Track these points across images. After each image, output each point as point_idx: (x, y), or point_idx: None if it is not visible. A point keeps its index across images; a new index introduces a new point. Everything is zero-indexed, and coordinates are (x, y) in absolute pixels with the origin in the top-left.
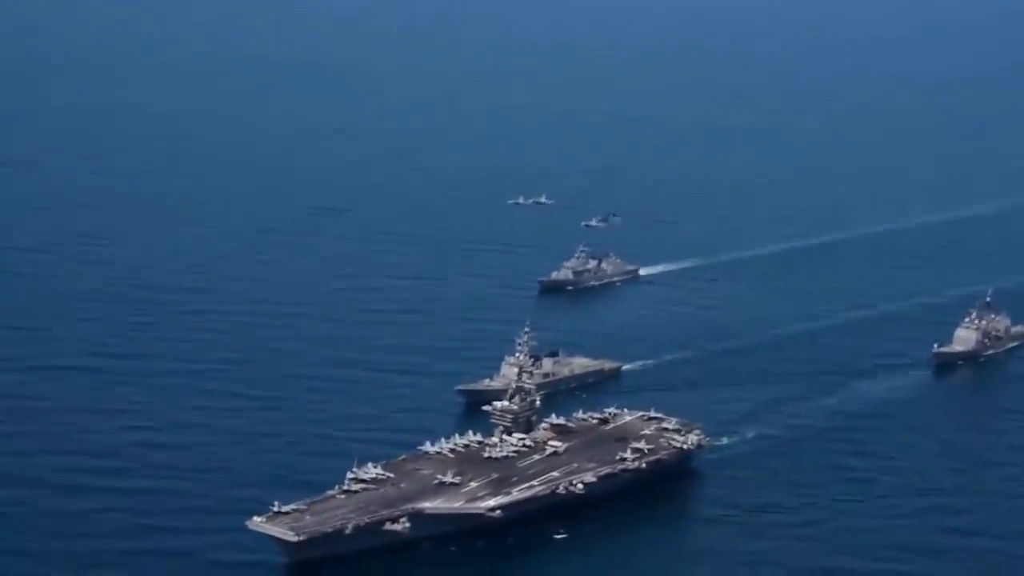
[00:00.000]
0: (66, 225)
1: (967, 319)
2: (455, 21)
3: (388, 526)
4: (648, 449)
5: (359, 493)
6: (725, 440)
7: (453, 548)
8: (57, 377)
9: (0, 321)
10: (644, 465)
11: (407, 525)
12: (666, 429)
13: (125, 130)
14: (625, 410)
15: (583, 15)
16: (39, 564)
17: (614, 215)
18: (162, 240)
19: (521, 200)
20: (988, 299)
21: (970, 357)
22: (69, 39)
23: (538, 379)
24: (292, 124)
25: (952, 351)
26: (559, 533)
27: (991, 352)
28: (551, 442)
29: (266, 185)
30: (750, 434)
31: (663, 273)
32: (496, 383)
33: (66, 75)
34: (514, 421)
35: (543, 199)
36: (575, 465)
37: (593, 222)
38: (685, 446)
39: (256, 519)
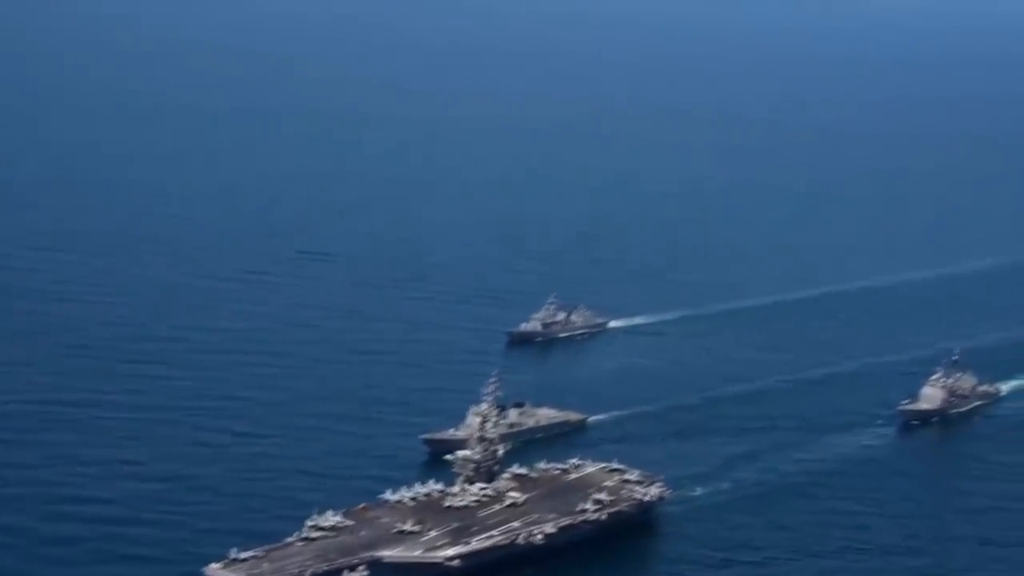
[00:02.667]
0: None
1: (933, 377)
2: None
3: (346, 574)
4: (609, 500)
5: (318, 540)
6: (699, 491)
7: None
8: (48, 415)
9: None
10: (605, 516)
11: (365, 573)
12: (628, 481)
13: (117, 172)
14: (588, 461)
15: (573, 72)
16: None
17: None
18: (138, 282)
19: None
20: (955, 357)
21: (936, 415)
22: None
23: (503, 429)
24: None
25: (918, 408)
26: None
27: (956, 411)
28: (511, 492)
29: (249, 228)
30: (723, 485)
31: (635, 326)
32: (461, 432)
33: (61, 115)
34: (476, 470)
35: None
36: (535, 515)
37: None
38: (646, 498)
39: (213, 566)
